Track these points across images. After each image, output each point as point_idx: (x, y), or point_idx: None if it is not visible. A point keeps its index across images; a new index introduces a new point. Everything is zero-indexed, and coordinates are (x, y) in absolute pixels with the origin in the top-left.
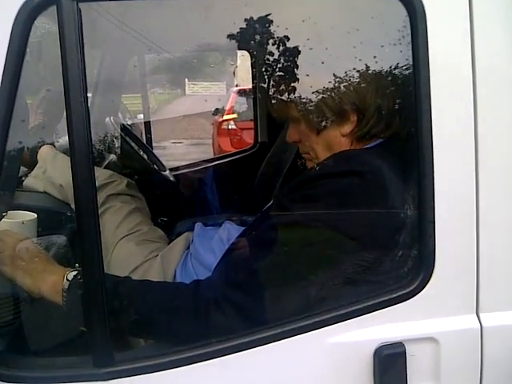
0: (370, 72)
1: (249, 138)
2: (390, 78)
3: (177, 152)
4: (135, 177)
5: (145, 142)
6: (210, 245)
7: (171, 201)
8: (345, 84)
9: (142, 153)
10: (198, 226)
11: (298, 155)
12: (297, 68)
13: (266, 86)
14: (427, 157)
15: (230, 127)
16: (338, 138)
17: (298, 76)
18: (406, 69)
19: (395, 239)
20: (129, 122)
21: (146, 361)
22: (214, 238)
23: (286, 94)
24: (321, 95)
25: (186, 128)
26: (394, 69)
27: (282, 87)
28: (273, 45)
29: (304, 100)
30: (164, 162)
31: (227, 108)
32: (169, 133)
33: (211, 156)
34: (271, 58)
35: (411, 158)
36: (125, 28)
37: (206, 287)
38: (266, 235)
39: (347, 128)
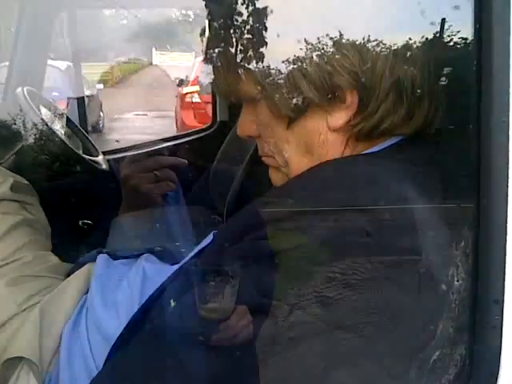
0: (384, 19)
1: None
2: (421, 31)
3: (140, 125)
4: (54, 166)
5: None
6: (114, 295)
7: (95, 201)
8: (339, 40)
9: (63, 133)
10: (102, 259)
11: None
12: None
13: (214, 46)
14: (495, 175)
15: (193, 100)
16: (324, 133)
17: (257, 26)
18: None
19: (429, 331)
20: (87, 93)
21: None
22: (123, 285)
23: (237, 54)
24: (296, 60)
25: (152, 100)
26: (430, 14)
27: (232, 44)
28: None
29: (267, 67)
30: (125, 136)
31: (191, 79)
32: (132, 104)
33: (174, 130)
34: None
35: (459, 177)
36: None
37: None
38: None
39: (340, 117)
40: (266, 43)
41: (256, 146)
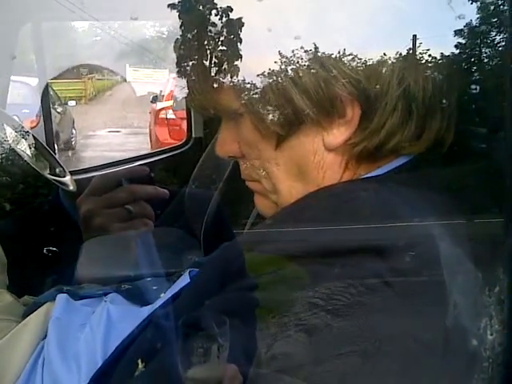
0: (391, 15)
1: None
2: (438, 28)
3: (113, 142)
4: (16, 188)
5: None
6: (74, 345)
7: (62, 225)
8: (337, 42)
9: (29, 154)
10: (61, 299)
11: None
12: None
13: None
14: None
15: (168, 116)
16: (320, 154)
17: (238, 28)
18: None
19: None
20: (58, 110)
21: None
22: (85, 332)
23: (213, 61)
24: (287, 66)
25: (125, 116)
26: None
27: (208, 51)
28: None
29: (251, 76)
30: (99, 153)
31: (165, 93)
32: (106, 121)
33: (149, 147)
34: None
35: (487, 206)
36: None
37: None
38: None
39: (339, 134)
40: (251, 45)
41: (233, 165)
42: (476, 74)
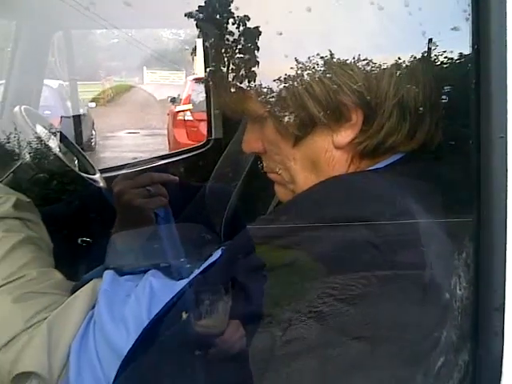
0: (386, 39)
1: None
2: (424, 52)
3: (132, 143)
4: (51, 184)
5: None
6: (122, 310)
7: (94, 219)
8: (344, 59)
9: (60, 151)
10: (108, 275)
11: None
12: (258, 35)
13: (217, 68)
14: (495, 188)
15: (186, 118)
16: (330, 151)
17: (264, 45)
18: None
19: (434, 338)
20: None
21: None
22: (130, 300)
23: (244, 74)
24: (302, 79)
25: (143, 118)
26: (434, 36)
27: (239, 64)
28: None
29: (273, 86)
30: (117, 154)
31: (183, 97)
32: (124, 122)
33: (166, 148)
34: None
35: (460, 190)
36: None
37: None
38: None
39: (345, 135)
40: (272, 62)
41: (251, 164)
42: (458, 86)
